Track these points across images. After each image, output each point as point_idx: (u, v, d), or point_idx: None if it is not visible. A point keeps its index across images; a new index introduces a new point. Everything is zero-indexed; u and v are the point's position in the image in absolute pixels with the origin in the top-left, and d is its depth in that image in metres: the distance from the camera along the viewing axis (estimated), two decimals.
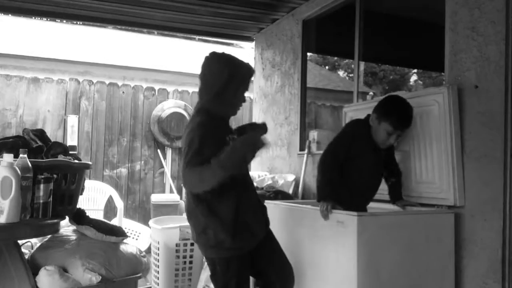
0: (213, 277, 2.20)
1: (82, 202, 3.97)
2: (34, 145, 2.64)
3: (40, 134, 2.79)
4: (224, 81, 2.07)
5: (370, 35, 3.73)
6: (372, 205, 2.71)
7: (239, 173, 2.13)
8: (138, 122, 6.11)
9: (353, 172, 2.50)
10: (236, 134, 2.13)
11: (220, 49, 2.30)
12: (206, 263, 3.51)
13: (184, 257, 3.64)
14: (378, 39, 4.87)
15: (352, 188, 2.50)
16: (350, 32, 3.68)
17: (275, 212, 2.74)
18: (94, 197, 5.30)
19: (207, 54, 2.16)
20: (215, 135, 2.02)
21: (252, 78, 2.32)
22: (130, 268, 2.75)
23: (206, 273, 3.37)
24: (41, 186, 2.30)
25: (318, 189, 2.48)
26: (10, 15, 6.59)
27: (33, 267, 2.50)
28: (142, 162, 6.10)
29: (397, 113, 2.46)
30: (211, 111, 2.11)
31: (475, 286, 2.43)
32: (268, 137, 2.20)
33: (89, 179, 5.40)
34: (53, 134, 5.46)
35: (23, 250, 2.55)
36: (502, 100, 2.32)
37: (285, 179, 4.14)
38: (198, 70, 2.18)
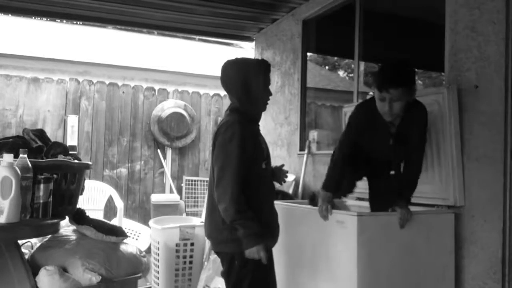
0: (227, 273, 2.20)
1: (82, 202, 3.96)
2: (34, 145, 2.63)
3: (40, 134, 2.79)
4: (242, 85, 2.19)
5: (370, 35, 3.73)
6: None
7: (268, 176, 2.29)
8: (138, 122, 6.11)
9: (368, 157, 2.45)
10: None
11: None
12: (206, 263, 3.50)
13: (184, 257, 3.65)
14: (378, 39, 4.87)
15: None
16: (350, 32, 3.67)
17: None
18: (94, 197, 5.30)
19: (223, 64, 2.28)
20: (250, 133, 2.18)
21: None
22: (130, 268, 2.74)
23: (206, 273, 3.37)
24: (41, 186, 2.30)
25: (325, 179, 2.51)
26: (10, 15, 6.58)
27: (33, 267, 2.49)
28: (142, 162, 6.10)
29: (379, 73, 2.20)
30: (241, 110, 2.22)
31: (475, 286, 2.43)
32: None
33: (89, 179, 5.41)
34: (53, 134, 5.46)
35: (23, 250, 2.55)
36: (502, 100, 2.32)
37: None
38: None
